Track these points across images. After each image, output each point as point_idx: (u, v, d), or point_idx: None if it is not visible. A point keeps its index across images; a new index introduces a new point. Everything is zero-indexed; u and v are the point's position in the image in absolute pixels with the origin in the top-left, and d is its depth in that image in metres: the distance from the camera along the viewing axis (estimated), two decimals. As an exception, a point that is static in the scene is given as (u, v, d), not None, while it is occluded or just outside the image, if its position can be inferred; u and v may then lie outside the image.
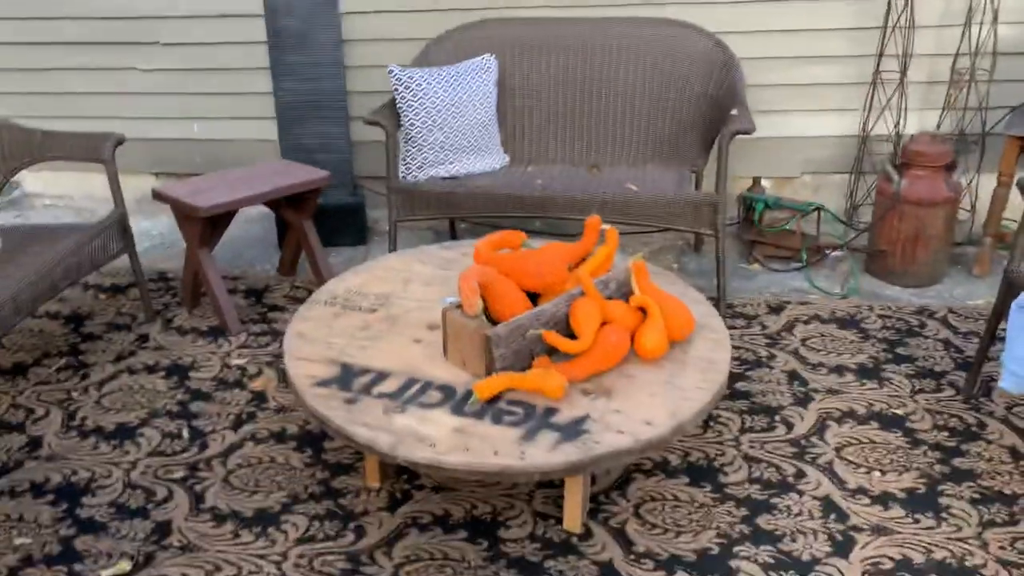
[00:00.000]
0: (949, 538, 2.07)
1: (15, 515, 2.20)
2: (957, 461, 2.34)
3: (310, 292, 3.35)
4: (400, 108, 3.19)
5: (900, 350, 2.88)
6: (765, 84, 3.69)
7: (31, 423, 2.57)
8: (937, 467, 2.32)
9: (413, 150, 3.22)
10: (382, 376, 2.08)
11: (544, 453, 1.80)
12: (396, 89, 3.17)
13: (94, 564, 2.04)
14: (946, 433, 2.45)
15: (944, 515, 2.15)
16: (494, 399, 1.98)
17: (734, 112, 2.97)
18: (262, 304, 3.26)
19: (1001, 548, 2.04)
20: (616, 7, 3.65)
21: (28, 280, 2.50)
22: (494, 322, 2.08)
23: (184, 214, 2.94)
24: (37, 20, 4.03)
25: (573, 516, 2.10)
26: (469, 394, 1.99)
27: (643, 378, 2.05)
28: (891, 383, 2.70)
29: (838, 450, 2.39)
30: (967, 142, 3.61)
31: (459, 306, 2.09)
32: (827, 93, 3.71)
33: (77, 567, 2.03)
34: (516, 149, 3.53)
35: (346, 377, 2.08)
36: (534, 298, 2.20)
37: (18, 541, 2.11)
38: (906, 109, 3.60)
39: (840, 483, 2.26)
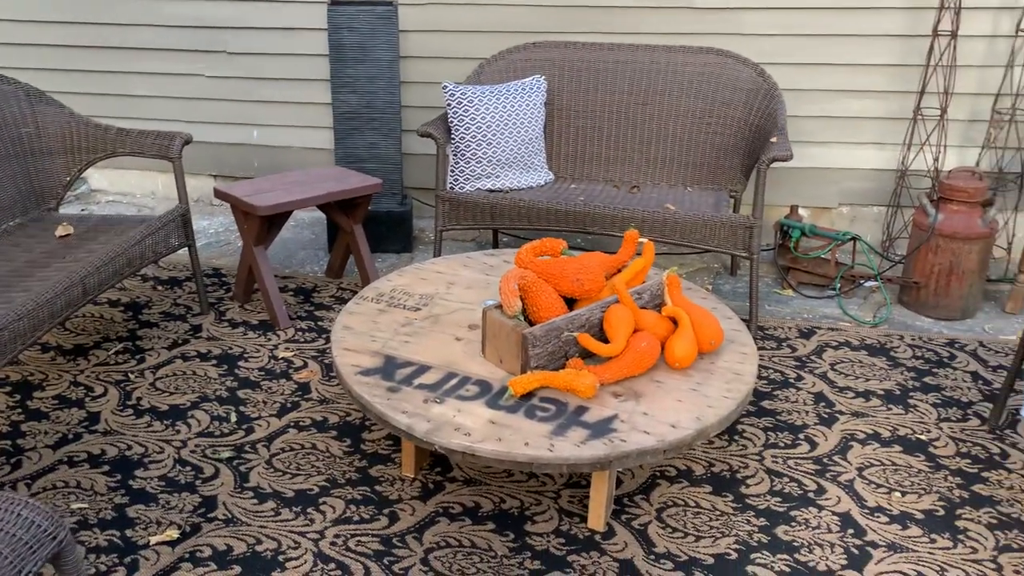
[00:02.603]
0: (964, 559, 2.12)
1: (73, 483, 2.34)
2: (977, 487, 2.38)
3: (356, 294, 3.49)
4: (451, 122, 3.33)
5: (928, 379, 2.92)
6: (806, 115, 3.79)
7: (90, 400, 2.72)
8: (957, 492, 2.37)
9: (462, 162, 3.36)
10: (423, 369, 2.20)
11: (572, 447, 1.90)
12: (449, 104, 3.32)
13: (144, 531, 2.17)
14: (968, 460, 2.50)
15: (961, 537, 2.20)
16: (528, 395, 2.09)
17: (773, 139, 3.07)
18: (310, 303, 3.40)
19: (1016, 572, 2.08)
20: (663, 35, 3.78)
21: (96, 265, 2.66)
22: (531, 323, 2.20)
23: (243, 212, 3.11)
24: (110, 25, 4.26)
25: (597, 515, 2.19)
26: (504, 389, 2.10)
27: (671, 384, 2.15)
28: (917, 410, 2.75)
29: (860, 470, 2.45)
30: (1005, 180, 3.66)
31: (499, 307, 2.21)
32: (867, 127, 3.78)
33: (129, 532, 2.16)
34: (560, 167, 3.66)
35: (389, 368, 2.20)
36: (571, 303, 2.31)
37: (75, 506, 2.26)
38: (945, 146, 3.66)
39: (860, 501, 2.32)
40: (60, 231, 2.97)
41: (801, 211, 3.93)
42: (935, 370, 2.98)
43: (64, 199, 3.20)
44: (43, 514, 1.19)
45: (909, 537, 2.19)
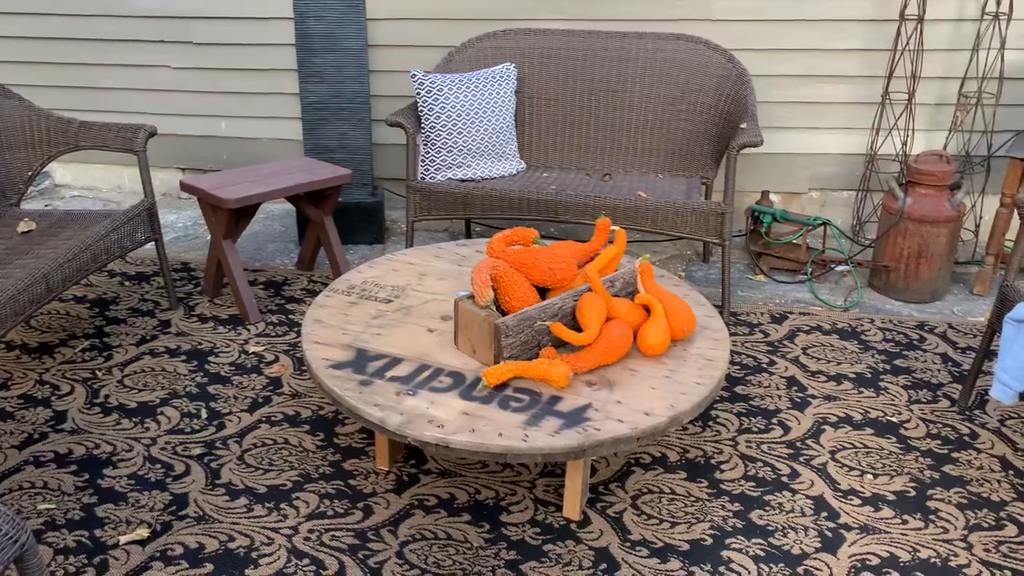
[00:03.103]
0: (936, 539, 2.15)
1: (39, 483, 2.30)
2: (948, 468, 2.41)
3: (327, 287, 3.45)
4: (421, 111, 3.30)
5: (899, 362, 2.95)
6: (776, 101, 3.80)
7: (56, 399, 2.67)
8: (928, 473, 2.39)
9: (432, 152, 3.33)
10: (395, 361, 2.18)
11: (547, 437, 1.89)
12: (418, 93, 3.29)
13: (114, 530, 2.14)
14: (939, 441, 2.53)
15: (932, 517, 2.22)
16: (501, 386, 2.08)
17: (743, 125, 3.07)
18: (281, 296, 3.37)
19: (986, 550, 2.11)
20: (632, 22, 3.77)
21: (60, 261, 2.61)
22: (504, 313, 2.18)
23: (211, 205, 3.06)
24: (73, 16, 4.18)
25: (573, 503, 2.18)
26: (478, 380, 2.09)
27: (644, 372, 2.15)
28: (888, 392, 2.77)
29: (832, 453, 2.47)
30: (972, 164, 3.70)
31: (471, 297, 2.19)
32: (836, 112, 3.80)
33: (98, 532, 2.13)
34: (532, 156, 3.65)
35: (360, 361, 2.18)
36: (543, 292, 2.30)
37: (42, 507, 2.22)
38: (913, 130, 3.69)
39: (832, 484, 2.34)
40: (22, 227, 2.91)
41: (772, 197, 3.95)
42: (905, 353, 3.01)
43: (26, 194, 3.13)
44: (3, 518, 1.16)
45: (881, 519, 2.21)
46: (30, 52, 4.28)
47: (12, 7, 4.19)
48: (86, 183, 4.59)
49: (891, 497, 2.29)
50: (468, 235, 3.95)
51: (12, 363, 2.87)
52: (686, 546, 2.11)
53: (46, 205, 4.37)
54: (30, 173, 3.12)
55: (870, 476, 2.37)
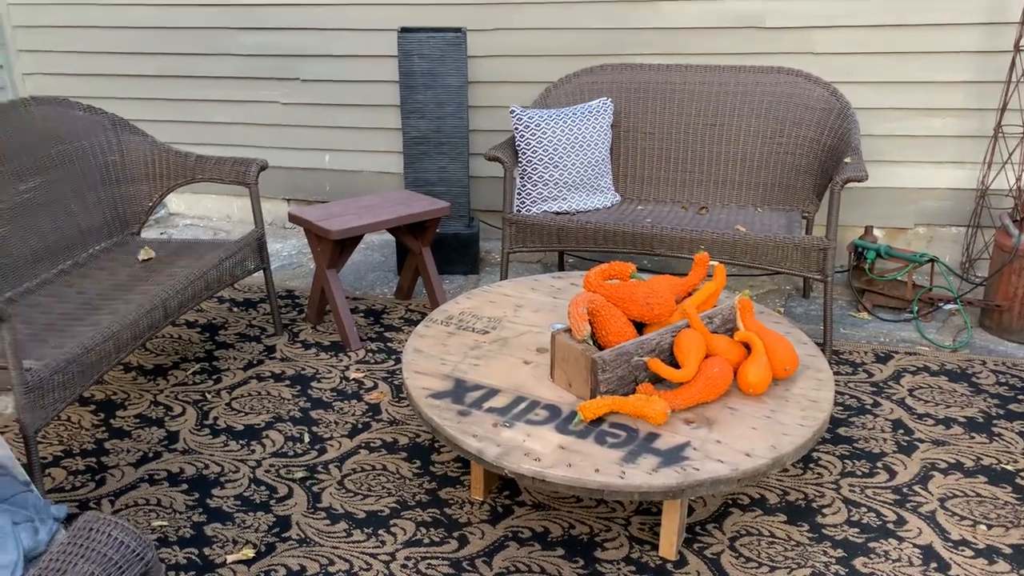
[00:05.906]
0: (1057, 597, 2.03)
1: (153, 500, 2.41)
2: (1070, 521, 2.28)
3: (424, 315, 3.53)
4: (519, 145, 3.36)
5: (1013, 407, 2.81)
6: (881, 134, 3.71)
7: (169, 419, 2.81)
8: (1048, 526, 2.27)
9: (528, 185, 3.38)
10: (492, 392, 2.21)
11: (644, 475, 1.88)
12: (516, 128, 3.35)
13: (221, 549, 2.22)
14: (1059, 493, 2.39)
15: (1053, 574, 2.10)
16: (597, 421, 2.08)
17: (847, 160, 3.01)
18: (380, 324, 3.45)
19: (1114, 612, 1.98)
20: (732, 56, 3.75)
21: (176, 288, 2.75)
22: (600, 347, 2.19)
23: (316, 236, 3.18)
24: (189, 55, 4.42)
25: (669, 543, 2.16)
26: (574, 414, 2.10)
27: (745, 411, 2.11)
28: (1002, 439, 2.64)
29: (942, 501, 2.36)
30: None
31: (568, 331, 2.21)
32: (945, 145, 3.68)
33: (206, 551, 2.21)
34: (627, 188, 3.66)
35: (459, 391, 2.22)
36: (640, 327, 2.29)
37: (156, 523, 2.33)
38: (1029, 164, 3.54)
39: (942, 533, 2.24)
40: (143, 255, 3.08)
41: (876, 232, 3.84)
42: (1021, 397, 2.87)
43: (145, 223, 3.32)
44: (131, 535, 1.23)
45: (996, 572, 2.10)
46: (150, 89, 4.55)
47: (133, 48, 4.47)
48: (198, 212, 4.83)
49: (1007, 550, 2.18)
50: (561, 267, 3.97)
51: (129, 384, 3.03)
52: (786, 592, 2.05)
53: (161, 233, 4.61)
54: (151, 204, 3.31)
55: (983, 527, 2.26)
